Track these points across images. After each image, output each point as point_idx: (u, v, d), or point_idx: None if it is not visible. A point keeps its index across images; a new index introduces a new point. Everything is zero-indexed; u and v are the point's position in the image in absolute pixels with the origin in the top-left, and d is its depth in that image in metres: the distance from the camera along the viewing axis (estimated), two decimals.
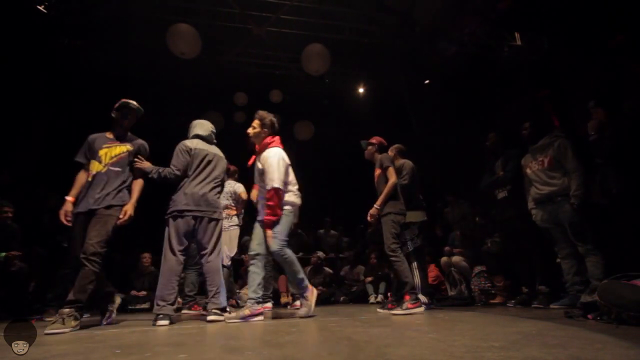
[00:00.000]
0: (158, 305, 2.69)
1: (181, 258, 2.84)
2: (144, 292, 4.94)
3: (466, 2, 5.26)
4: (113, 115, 2.93)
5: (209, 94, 7.28)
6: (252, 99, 7.47)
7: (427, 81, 6.74)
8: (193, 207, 2.88)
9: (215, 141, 3.37)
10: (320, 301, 5.42)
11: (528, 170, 3.43)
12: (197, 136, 3.21)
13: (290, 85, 7.28)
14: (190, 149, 3.06)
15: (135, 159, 2.91)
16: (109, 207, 2.60)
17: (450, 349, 1.32)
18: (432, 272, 4.72)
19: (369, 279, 5.52)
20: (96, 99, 6.80)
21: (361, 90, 7.38)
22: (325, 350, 1.44)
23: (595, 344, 1.38)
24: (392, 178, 3.36)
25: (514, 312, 2.96)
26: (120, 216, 2.60)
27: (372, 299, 5.31)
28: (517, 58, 5.21)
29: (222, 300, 2.91)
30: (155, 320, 2.63)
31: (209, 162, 3.10)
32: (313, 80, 6.91)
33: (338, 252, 6.90)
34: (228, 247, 4.21)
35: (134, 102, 2.97)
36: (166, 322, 2.63)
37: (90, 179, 2.67)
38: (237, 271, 5.65)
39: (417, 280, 3.59)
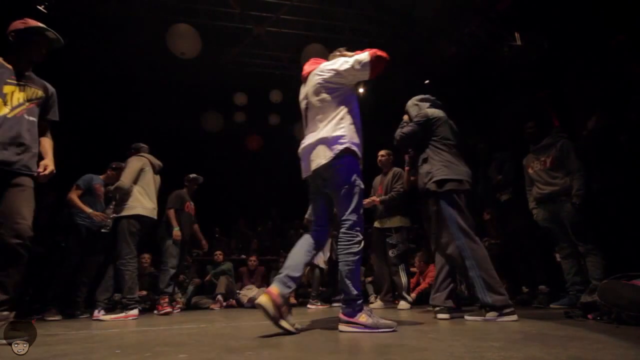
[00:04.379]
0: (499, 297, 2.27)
1: None
2: (143, 292, 4.94)
3: (466, 2, 5.25)
4: (11, 38, 2.13)
5: (209, 94, 7.28)
6: (252, 99, 7.47)
7: (427, 81, 6.74)
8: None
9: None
10: (321, 301, 5.43)
11: (530, 170, 3.44)
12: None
13: (290, 85, 7.27)
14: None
15: None
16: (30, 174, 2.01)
17: (450, 349, 1.32)
18: (432, 271, 4.71)
19: (369, 279, 5.52)
20: (96, 99, 6.83)
21: (361, 90, 7.37)
22: (325, 350, 1.44)
23: (595, 344, 1.38)
24: None
25: None
26: (40, 170, 2.05)
27: (372, 299, 5.31)
28: (517, 58, 5.21)
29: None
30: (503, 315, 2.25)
31: None
32: None
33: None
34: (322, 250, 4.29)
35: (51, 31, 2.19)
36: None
37: None
38: (237, 272, 5.65)
39: (405, 280, 3.93)
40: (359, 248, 1.93)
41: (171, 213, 4.29)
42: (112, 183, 4.05)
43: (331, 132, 1.96)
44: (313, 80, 2.09)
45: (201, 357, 1.31)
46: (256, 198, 7.95)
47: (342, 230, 1.96)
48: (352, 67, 2.00)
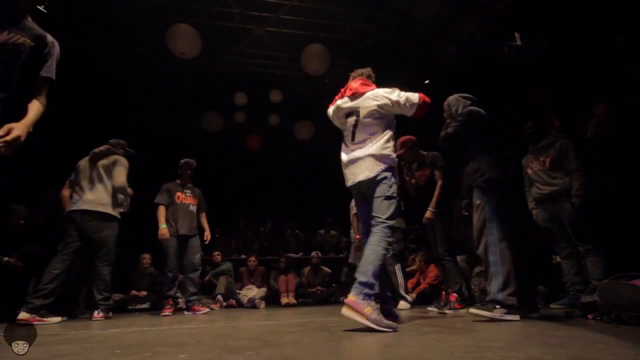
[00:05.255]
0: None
1: None
2: (144, 292, 4.94)
3: (466, 2, 5.25)
4: None
5: (209, 94, 7.28)
6: (252, 99, 7.47)
7: (427, 81, 6.74)
8: None
9: None
10: (320, 301, 5.44)
11: (529, 171, 3.43)
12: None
13: (290, 85, 7.28)
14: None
15: None
16: None
17: (450, 349, 1.32)
18: (432, 271, 4.72)
19: None
20: (96, 99, 6.83)
21: None
22: (325, 350, 1.44)
23: (595, 344, 1.38)
24: (442, 178, 3.44)
25: None
26: (1, 133, 1.62)
27: None
28: (517, 58, 5.21)
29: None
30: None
31: None
32: (313, 80, 6.91)
33: (338, 252, 6.90)
34: None
35: None
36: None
37: None
38: (237, 272, 5.65)
39: (401, 280, 3.95)
40: (387, 247, 2.19)
41: (158, 211, 4.01)
42: None
43: (380, 150, 2.30)
44: (367, 103, 2.38)
45: (201, 357, 1.31)
46: (256, 198, 7.95)
47: (378, 228, 2.21)
48: (404, 103, 2.35)
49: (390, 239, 2.19)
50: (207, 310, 3.69)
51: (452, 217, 3.58)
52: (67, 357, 1.38)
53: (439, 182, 3.47)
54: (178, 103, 7.31)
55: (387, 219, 2.22)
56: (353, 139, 2.43)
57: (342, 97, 2.53)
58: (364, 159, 2.31)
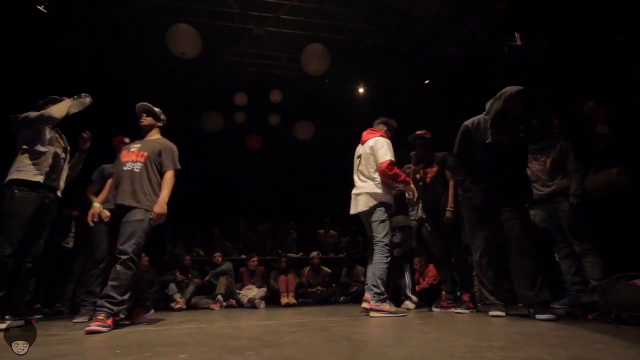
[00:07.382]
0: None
1: None
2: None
3: (466, 2, 5.25)
4: None
5: (209, 94, 7.28)
6: (252, 99, 7.47)
7: (427, 81, 6.74)
8: None
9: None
10: (320, 301, 5.43)
11: (528, 171, 3.43)
12: None
13: (290, 85, 7.28)
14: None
15: None
16: None
17: (450, 349, 1.32)
18: (432, 271, 4.71)
19: None
20: (95, 99, 6.81)
21: (361, 90, 7.37)
22: (325, 350, 1.44)
23: (595, 344, 1.38)
24: (453, 178, 3.45)
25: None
26: None
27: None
28: (517, 58, 5.21)
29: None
30: None
31: None
32: (313, 80, 6.91)
33: (338, 252, 6.90)
34: None
35: None
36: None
37: None
38: (237, 272, 5.64)
39: (408, 280, 3.94)
40: (388, 260, 2.91)
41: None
42: None
43: (373, 189, 2.98)
44: (365, 149, 3.12)
45: (201, 357, 1.32)
46: (256, 198, 7.95)
47: (378, 247, 2.91)
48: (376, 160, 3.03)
49: (388, 254, 2.91)
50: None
51: (459, 217, 3.55)
52: (67, 357, 1.38)
53: (452, 182, 3.43)
54: (178, 103, 7.31)
55: (383, 237, 2.90)
56: (358, 176, 3.13)
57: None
58: (362, 195, 3.01)
